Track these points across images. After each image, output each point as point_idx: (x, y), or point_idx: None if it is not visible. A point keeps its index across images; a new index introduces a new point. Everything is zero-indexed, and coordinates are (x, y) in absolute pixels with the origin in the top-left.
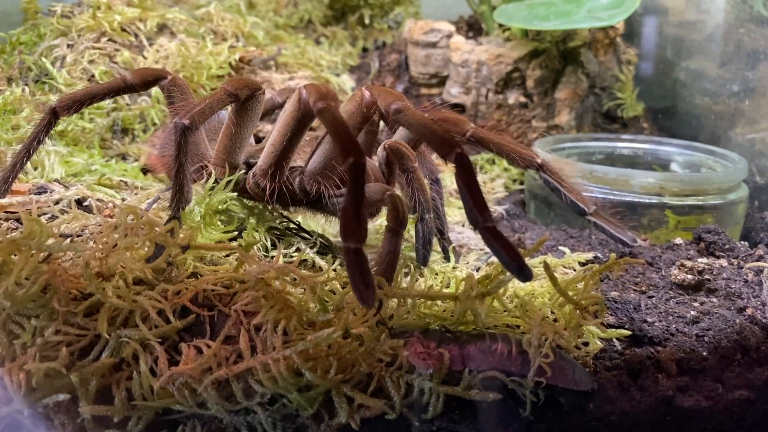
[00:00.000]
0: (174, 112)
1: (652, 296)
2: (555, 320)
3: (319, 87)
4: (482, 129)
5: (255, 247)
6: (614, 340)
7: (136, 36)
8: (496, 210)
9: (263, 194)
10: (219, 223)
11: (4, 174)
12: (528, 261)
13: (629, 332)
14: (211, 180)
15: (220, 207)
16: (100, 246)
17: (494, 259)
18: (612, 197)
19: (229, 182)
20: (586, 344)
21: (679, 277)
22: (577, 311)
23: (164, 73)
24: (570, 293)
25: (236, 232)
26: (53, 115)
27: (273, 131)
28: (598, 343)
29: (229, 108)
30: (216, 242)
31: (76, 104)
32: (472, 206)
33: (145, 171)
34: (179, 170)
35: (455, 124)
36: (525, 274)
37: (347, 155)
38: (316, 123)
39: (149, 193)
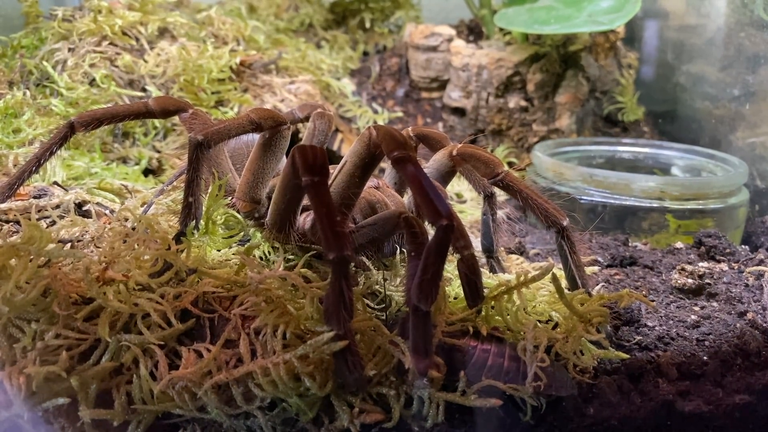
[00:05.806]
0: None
1: (653, 300)
2: (556, 325)
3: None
4: (515, 175)
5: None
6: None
7: (137, 40)
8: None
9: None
10: (220, 230)
11: (10, 180)
12: (535, 270)
13: (626, 356)
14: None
15: (219, 220)
16: (105, 251)
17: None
18: (612, 201)
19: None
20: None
21: (679, 282)
22: (582, 324)
23: (186, 105)
24: (576, 305)
25: (238, 237)
26: (70, 129)
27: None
28: (595, 360)
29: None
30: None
31: (95, 122)
32: (423, 282)
33: (146, 173)
34: (190, 186)
35: (487, 164)
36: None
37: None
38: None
39: (145, 197)
